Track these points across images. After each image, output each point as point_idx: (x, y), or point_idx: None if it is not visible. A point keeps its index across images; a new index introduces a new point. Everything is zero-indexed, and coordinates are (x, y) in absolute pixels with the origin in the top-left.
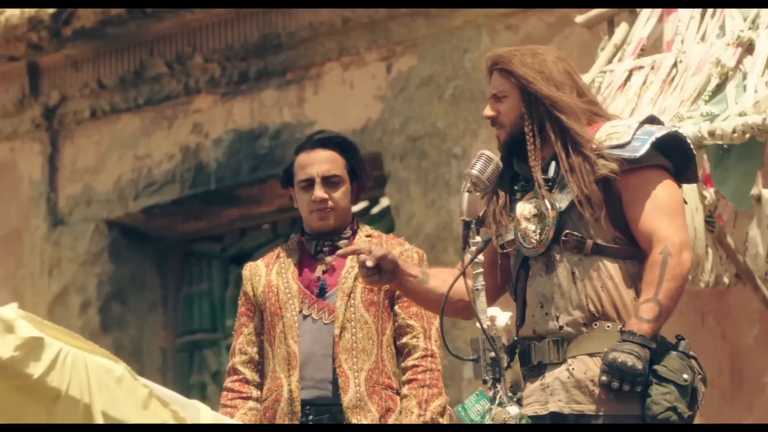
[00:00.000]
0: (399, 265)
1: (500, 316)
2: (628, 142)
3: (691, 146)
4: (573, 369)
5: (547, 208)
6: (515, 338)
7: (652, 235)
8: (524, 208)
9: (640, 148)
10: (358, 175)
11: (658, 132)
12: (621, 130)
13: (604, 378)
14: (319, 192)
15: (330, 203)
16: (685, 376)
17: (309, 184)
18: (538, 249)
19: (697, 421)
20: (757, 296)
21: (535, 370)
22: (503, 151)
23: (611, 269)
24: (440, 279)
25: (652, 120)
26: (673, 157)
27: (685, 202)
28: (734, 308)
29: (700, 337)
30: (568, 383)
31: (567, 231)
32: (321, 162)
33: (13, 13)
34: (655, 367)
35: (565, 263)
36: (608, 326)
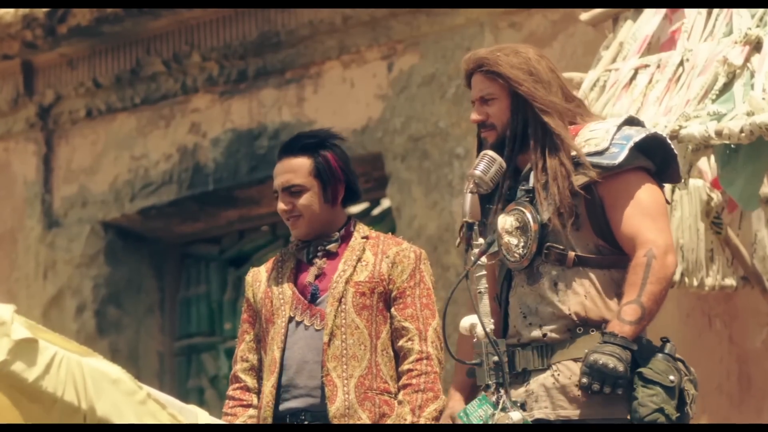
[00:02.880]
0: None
1: (480, 325)
2: (607, 149)
3: (671, 146)
4: (558, 374)
5: (529, 221)
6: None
7: (636, 237)
8: (506, 221)
9: (619, 155)
10: (325, 179)
11: (637, 136)
12: (599, 135)
13: (584, 380)
14: (279, 205)
15: (296, 212)
16: (672, 377)
17: (277, 196)
18: (522, 263)
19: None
20: (765, 299)
21: (519, 377)
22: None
23: (594, 278)
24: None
25: (631, 122)
26: (655, 156)
27: (668, 203)
28: (742, 311)
29: (707, 341)
30: (552, 389)
31: (548, 244)
32: (282, 173)
33: (7, 11)
34: (641, 369)
35: (548, 275)
36: (592, 331)
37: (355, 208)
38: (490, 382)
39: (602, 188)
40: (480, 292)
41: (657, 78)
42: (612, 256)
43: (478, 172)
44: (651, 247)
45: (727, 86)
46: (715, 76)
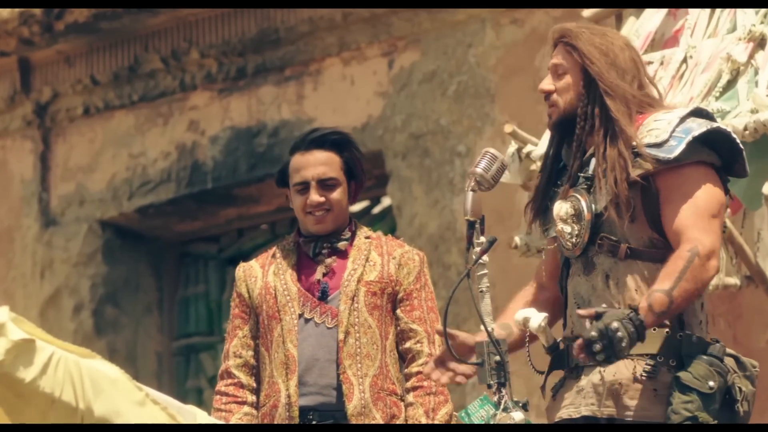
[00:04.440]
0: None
1: (534, 317)
2: (666, 141)
3: (737, 140)
4: (604, 372)
5: (583, 209)
6: (556, 339)
7: (683, 233)
8: (561, 208)
9: (676, 148)
10: (355, 175)
11: (697, 129)
12: (661, 126)
13: (594, 333)
14: (314, 196)
15: (326, 206)
16: (711, 383)
17: (304, 187)
18: (574, 252)
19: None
20: None
21: (573, 373)
22: (553, 131)
23: (646, 272)
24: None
25: (698, 113)
26: (721, 150)
27: (731, 198)
28: (746, 310)
29: None
30: (599, 386)
31: (602, 234)
32: (316, 164)
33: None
34: (679, 374)
35: (600, 266)
36: None
37: (356, 207)
38: (491, 382)
39: (659, 181)
40: (482, 291)
41: (660, 75)
42: (666, 251)
43: (479, 170)
44: (697, 245)
45: (730, 83)
46: (718, 73)
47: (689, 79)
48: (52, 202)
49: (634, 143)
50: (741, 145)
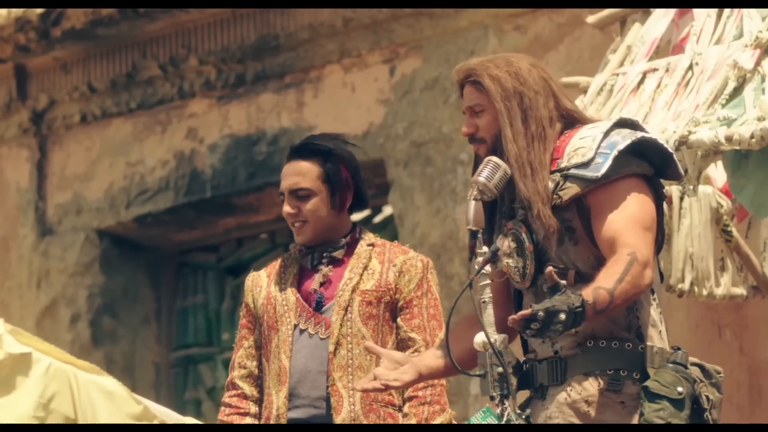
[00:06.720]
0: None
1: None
2: (592, 159)
3: (664, 145)
4: (570, 390)
5: (524, 241)
6: (519, 360)
7: (617, 239)
8: (503, 243)
9: (602, 166)
10: (334, 185)
11: (622, 143)
12: (586, 144)
13: (541, 314)
14: (285, 207)
15: (301, 216)
16: (680, 389)
17: (283, 198)
18: (524, 284)
19: None
20: None
21: (539, 392)
22: None
23: None
24: (459, 337)
25: (622, 124)
26: (654, 156)
27: (669, 203)
28: (752, 321)
29: (717, 351)
30: (564, 405)
31: (549, 263)
32: (290, 175)
33: None
34: (647, 383)
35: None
36: (602, 343)
37: (357, 216)
38: (494, 394)
39: (590, 199)
40: (484, 302)
41: (665, 82)
42: None
43: (482, 179)
44: (635, 251)
45: (737, 91)
46: (725, 80)
47: (695, 87)
48: (48, 211)
49: (563, 165)
50: (670, 150)
